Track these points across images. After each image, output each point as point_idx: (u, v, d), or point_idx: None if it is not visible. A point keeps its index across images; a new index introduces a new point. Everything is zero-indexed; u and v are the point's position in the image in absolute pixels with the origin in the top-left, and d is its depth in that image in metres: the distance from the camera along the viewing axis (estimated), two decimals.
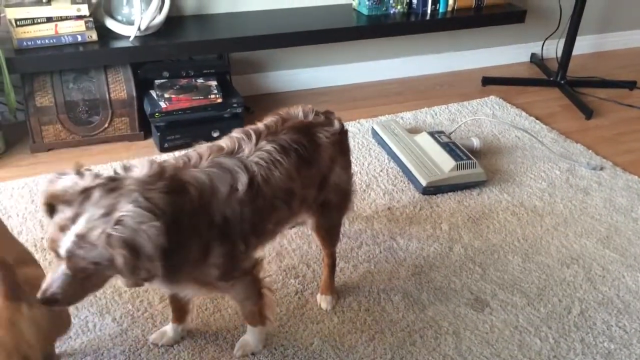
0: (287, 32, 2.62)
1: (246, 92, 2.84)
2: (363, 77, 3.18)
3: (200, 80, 2.54)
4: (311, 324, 1.63)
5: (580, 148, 2.57)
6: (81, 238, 1.01)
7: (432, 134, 2.44)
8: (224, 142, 1.32)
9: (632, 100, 3.02)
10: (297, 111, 1.47)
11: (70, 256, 1.03)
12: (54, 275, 1.06)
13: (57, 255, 1.05)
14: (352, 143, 2.52)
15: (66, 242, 1.02)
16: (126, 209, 1.01)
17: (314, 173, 1.43)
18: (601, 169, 2.41)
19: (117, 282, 1.70)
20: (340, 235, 1.72)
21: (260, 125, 1.39)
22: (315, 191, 1.47)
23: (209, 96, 2.47)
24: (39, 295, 1.05)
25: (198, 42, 2.52)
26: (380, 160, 2.43)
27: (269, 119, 1.43)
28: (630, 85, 3.16)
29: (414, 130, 2.60)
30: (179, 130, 2.40)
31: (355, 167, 2.37)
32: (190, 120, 2.43)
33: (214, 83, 2.54)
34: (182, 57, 2.59)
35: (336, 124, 1.51)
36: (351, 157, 1.64)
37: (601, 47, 3.69)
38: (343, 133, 1.55)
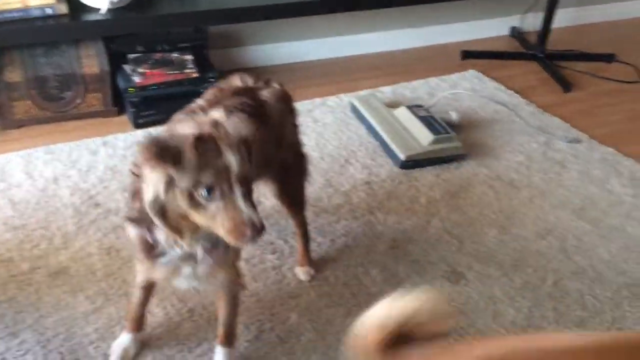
0: (266, 4, 2.56)
1: (224, 67, 2.79)
2: (342, 51, 3.14)
3: (175, 55, 2.49)
4: (289, 298, 1.64)
5: (558, 121, 2.58)
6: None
7: (410, 108, 2.43)
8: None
9: (610, 73, 3.04)
10: (235, 80, 1.47)
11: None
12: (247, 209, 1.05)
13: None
14: (330, 118, 2.51)
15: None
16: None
17: (268, 129, 1.41)
18: (578, 141, 2.42)
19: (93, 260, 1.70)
20: (306, 201, 1.71)
21: (199, 101, 1.37)
22: (273, 149, 1.46)
23: (185, 71, 2.42)
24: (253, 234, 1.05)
25: (174, 14, 2.45)
26: (359, 135, 2.41)
27: (208, 93, 1.42)
28: (608, 58, 3.16)
29: (392, 105, 2.58)
30: (153, 106, 2.35)
31: (334, 142, 2.36)
32: (166, 96, 2.38)
33: (190, 57, 2.49)
34: (156, 30, 2.53)
35: (276, 86, 1.51)
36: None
37: (580, 20, 3.68)
38: (286, 94, 1.54)
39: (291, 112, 1.58)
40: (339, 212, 1.98)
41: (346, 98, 2.66)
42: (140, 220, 1.14)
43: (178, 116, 1.29)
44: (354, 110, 2.54)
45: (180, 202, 1.06)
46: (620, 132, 2.53)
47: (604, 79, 2.99)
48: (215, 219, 1.06)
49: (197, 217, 1.08)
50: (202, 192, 1.04)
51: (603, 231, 1.94)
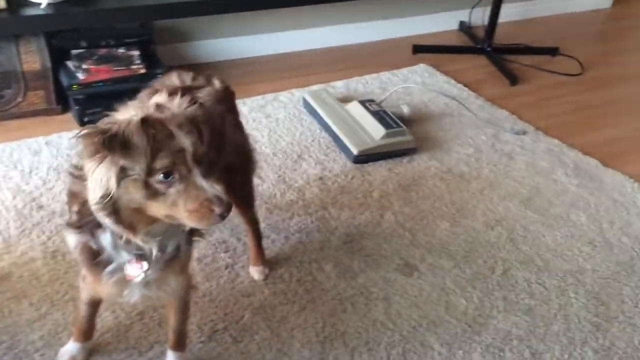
0: None
1: (172, 62, 2.73)
2: (293, 46, 3.13)
3: (121, 50, 2.42)
4: (242, 297, 1.62)
5: (505, 114, 2.64)
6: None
7: (363, 103, 2.44)
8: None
9: (555, 66, 3.13)
10: (172, 78, 1.39)
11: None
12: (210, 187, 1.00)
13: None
14: (283, 113, 2.50)
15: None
16: None
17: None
18: (524, 133, 2.49)
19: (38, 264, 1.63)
20: (256, 199, 1.68)
21: (131, 103, 1.26)
22: (214, 155, 1.42)
23: (131, 66, 2.36)
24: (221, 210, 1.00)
25: (118, 9, 2.38)
26: (311, 130, 2.41)
27: (141, 95, 1.33)
28: (553, 51, 3.26)
29: (345, 99, 2.59)
30: (99, 103, 2.28)
31: (286, 138, 2.34)
32: (112, 93, 2.31)
33: (136, 53, 2.43)
34: (101, 25, 2.45)
35: (217, 84, 1.43)
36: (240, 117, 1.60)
37: (526, 15, 3.78)
38: (227, 92, 1.48)
39: (232, 112, 1.52)
40: (292, 209, 1.97)
41: (298, 93, 2.65)
42: (82, 225, 1.07)
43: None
44: (307, 105, 2.53)
45: (134, 194, 0.98)
46: (565, 123, 2.61)
47: (549, 72, 3.08)
48: (177, 204, 0.99)
49: (156, 207, 1.00)
50: (159, 177, 0.96)
51: (549, 220, 2.00)
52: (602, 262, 1.83)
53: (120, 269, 1.12)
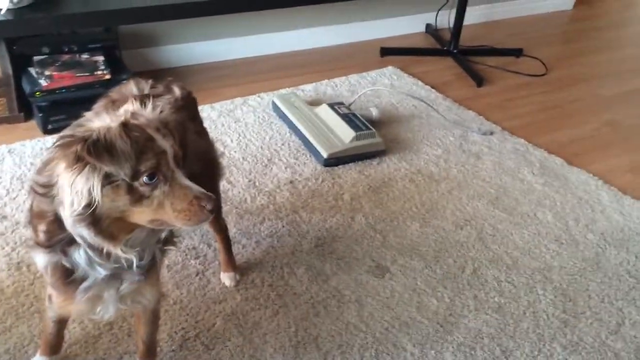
0: (179, 2, 2.50)
1: (138, 68, 2.70)
2: (262, 50, 3.12)
3: (85, 56, 2.38)
4: (213, 304, 1.60)
5: (472, 115, 2.68)
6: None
7: (332, 106, 2.45)
8: None
9: (519, 67, 3.19)
10: (130, 87, 1.35)
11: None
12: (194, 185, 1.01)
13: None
14: (252, 118, 2.49)
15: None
16: None
17: None
18: (491, 133, 2.53)
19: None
20: (226, 208, 1.66)
21: (89, 114, 1.23)
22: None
23: (96, 72, 2.32)
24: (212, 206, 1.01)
25: (81, 14, 2.33)
26: (281, 134, 2.40)
27: (98, 104, 1.31)
28: (517, 52, 3.32)
29: (314, 103, 2.59)
30: (64, 110, 2.24)
31: (256, 142, 2.33)
32: (76, 99, 2.26)
33: (100, 58, 2.39)
34: (63, 30, 2.40)
35: (177, 91, 1.41)
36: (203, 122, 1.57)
37: (490, 17, 3.85)
38: (188, 99, 1.46)
39: (194, 119, 1.48)
40: (263, 213, 1.96)
41: (267, 97, 2.64)
42: (52, 244, 1.03)
43: (65, 132, 1.10)
44: (276, 109, 2.52)
45: (118, 201, 0.95)
46: (530, 123, 2.66)
47: (514, 72, 3.14)
48: (163, 205, 0.98)
49: (140, 213, 0.98)
50: (144, 179, 0.95)
51: (516, 219, 2.03)
52: (568, 259, 1.87)
53: (94, 285, 1.09)
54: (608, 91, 3.05)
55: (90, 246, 1.02)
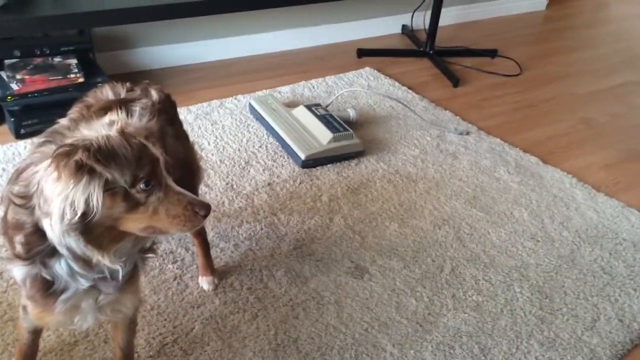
0: (153, 4, 2.47)
1: (114, 70, 2.67)
2: (239, 52, 3.10)
3: (58, 59, 2.34)
4: (191, 308, 1.59)
5: (449, 115, 2.70)
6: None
7: (309, 107, 2.44)
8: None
9: (494, 67, 3.23)
10: (106, 91, 1.33)
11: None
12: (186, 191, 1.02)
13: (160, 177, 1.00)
14: (229, 120, 2.47)
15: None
16: None
17: None
18: (467, 133, 2.55)
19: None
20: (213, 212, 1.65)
21: (64, 121, 1.20)
22: None
23: (69, 76, 2.28)
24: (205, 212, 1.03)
25: (53, 16, 2.29)
26: (258, 136, 2.39)
27: (73, 110, 1.27)
28: (492, 53, 3.36)
29: (291, 104, 2.58)
30: (36, 114, 2.20)
31: (233, 144, 2.32)
32: (49, 103, 2.23)
33: (74, 61, 2.35)
34: (35, 33, 2.36)
35: (155, 95, 1.38)
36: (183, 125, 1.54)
37: (466, 18, 3.89)
38: (167, 102, 1.43)
39: (173, 123, 1.46)
40: (241, 216, 1.94)
41: (244, 99, 2.63)
42: (31, 256, 0.99)
43: (39, 139, 1.09)
44: (253, 111, 2.51)
45: (114, 208, 0.94)
46: (506, 123, 2.69)
47: (489, 73, 3.17)
48: (158, 212, 0.98)
49: (134, 220, 0.97)
50: (141, 186, 0.95)
51: (493, 217, 2.05)
52: (544, 257, 1.89)
53: (74, 296, 1.06)
54: (582, 89, 3.11)
55: (75, 257, 0.99)
